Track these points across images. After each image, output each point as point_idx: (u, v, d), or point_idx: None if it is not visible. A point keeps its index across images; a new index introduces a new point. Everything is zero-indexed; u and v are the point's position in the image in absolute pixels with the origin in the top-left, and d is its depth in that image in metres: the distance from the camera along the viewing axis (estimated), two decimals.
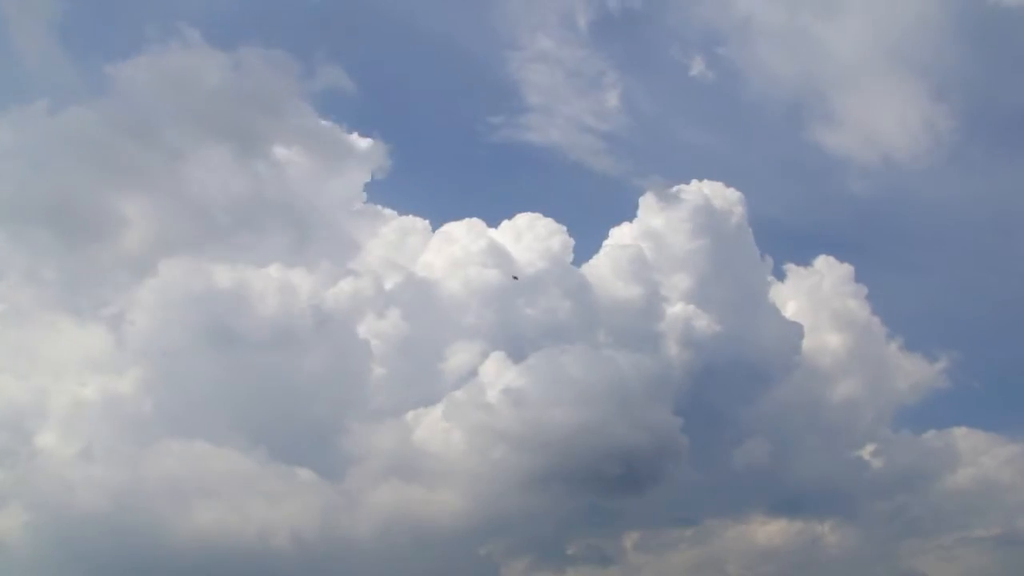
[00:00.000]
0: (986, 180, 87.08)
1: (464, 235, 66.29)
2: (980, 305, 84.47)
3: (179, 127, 64.97)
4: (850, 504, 69.04)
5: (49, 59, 69.21)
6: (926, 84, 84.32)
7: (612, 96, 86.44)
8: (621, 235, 68.54)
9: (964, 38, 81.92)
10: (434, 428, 58.75)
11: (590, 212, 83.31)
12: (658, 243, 67.46)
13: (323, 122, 70.92)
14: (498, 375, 59.22)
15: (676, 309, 65.04)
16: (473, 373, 60.39)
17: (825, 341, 72.57)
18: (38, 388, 55.79)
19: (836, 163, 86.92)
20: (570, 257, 66.73)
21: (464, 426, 58.24)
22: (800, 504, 68.19)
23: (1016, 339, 78.59)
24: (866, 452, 70.18)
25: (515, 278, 62.13)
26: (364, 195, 70.06)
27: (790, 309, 71.54)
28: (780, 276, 73.80)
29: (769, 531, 69.18)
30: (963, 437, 72.47)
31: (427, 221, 70.00)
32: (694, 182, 69.70)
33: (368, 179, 69.45)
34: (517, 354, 60.11)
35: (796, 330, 68.17)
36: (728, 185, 69.78)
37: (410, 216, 70.59)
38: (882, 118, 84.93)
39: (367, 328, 61.43)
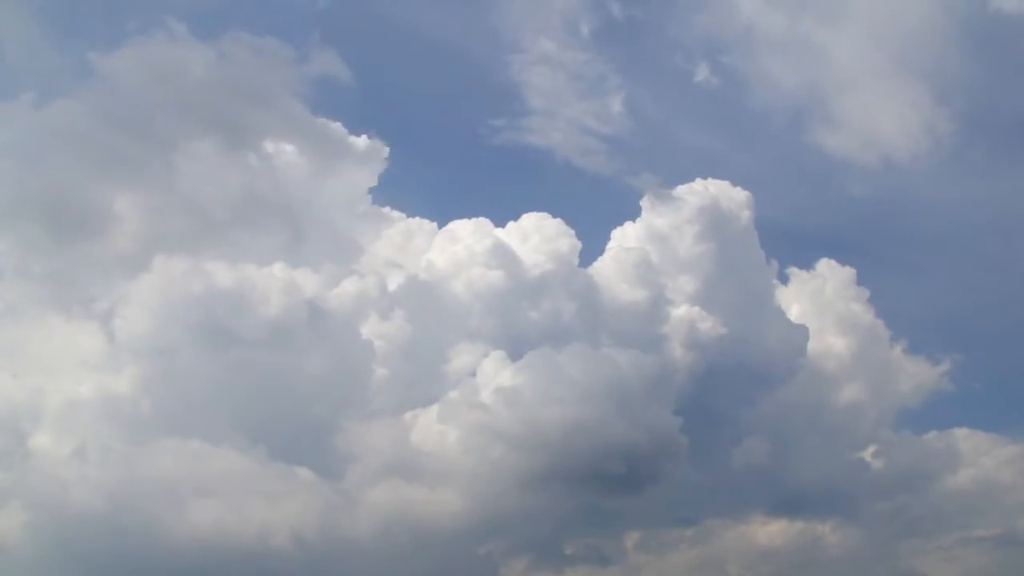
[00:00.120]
0: (987, 183, 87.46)
1: (470, 235, 65.47)
2: (981, 307, 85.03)
3: (171, 118, 63.15)
4: (851, 504, 69.38)
5: (34, 51, 67.49)
6: (928, 88, 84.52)
7: (615, 101, 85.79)
8: (625, 237, 67.97)
9: (965, 44, 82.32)
10: (434, 428, 58.23)
11: (593, 214, 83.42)
12: (663, 245, 67.00)
13: (327, 122, 69.45)
14: (497, 374, 58.66)
15: (681, 311, 64.69)
16: (474, 374, 60.01)
17: (829, 344, 72.50)
18: (32, 387, 54.89)
19: (838, 167, 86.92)
20: (576, 260, 66.21)
21: (463, 426, 57.82)
22: (801, 504, 68.46)
23: (1017, 341, 78.79)
24: (868, 453, 70.42)
25: None
26: (368, 197, 69.22)
27: (794, 312, 71.36)
28: (784, 280, 73.75)
29: (770, 531, 69.54)
30: (964, 438, 72.91)
31: (433, 223, 69.33)
32: (698, 180, 69.27)
33: (374, 183, 68.66)
34: (520, 355, 59.65)
35: (802, 333, 68.02)
36: (735, 184, 69.49)
37: (416, 218, 70.04)
38: (884, 121, 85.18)
39: (371, 329, 60.70)
